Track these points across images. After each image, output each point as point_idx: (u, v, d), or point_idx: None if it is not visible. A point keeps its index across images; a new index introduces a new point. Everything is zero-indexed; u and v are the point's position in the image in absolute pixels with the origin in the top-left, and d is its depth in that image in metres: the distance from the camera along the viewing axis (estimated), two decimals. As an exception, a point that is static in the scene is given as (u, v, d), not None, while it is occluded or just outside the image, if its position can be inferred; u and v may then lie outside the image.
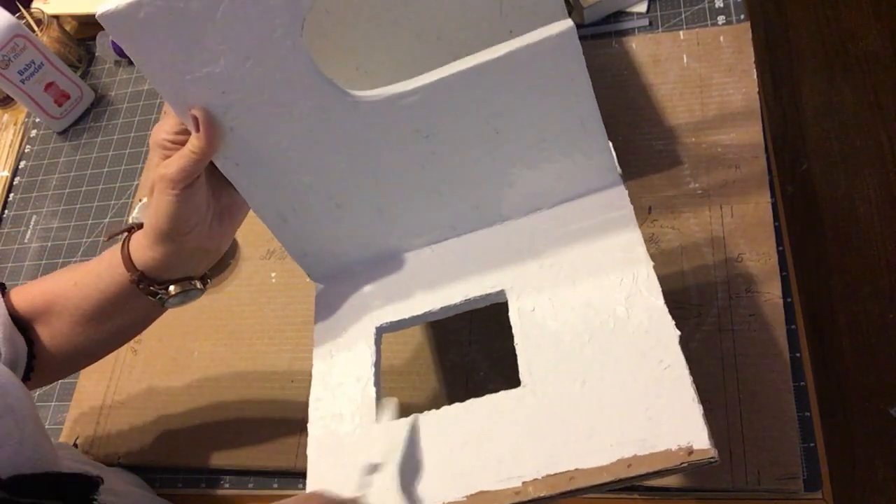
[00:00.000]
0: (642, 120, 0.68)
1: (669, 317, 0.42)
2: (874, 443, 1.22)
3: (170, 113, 0.45)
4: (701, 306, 0.58)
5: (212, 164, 0.46)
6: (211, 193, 0.48)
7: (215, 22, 0.40)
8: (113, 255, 0.50)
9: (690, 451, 0.37)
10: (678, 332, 0.41)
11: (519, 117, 0.46)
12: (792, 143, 1.51)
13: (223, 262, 0.75)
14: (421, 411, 0.61)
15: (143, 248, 0.48)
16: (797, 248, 1.36)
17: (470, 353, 0.62)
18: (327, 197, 0.50)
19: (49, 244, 0.86)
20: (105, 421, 0.70)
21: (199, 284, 0.51)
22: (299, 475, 0.63)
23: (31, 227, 0.89)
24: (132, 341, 0.73)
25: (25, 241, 0.88)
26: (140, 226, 0.49)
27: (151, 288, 0.49)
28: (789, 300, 0.57)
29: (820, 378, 1.25)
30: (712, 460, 0.37)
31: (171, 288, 0.50)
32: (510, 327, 0.47)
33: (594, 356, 0.43)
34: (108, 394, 0.72)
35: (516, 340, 0.46)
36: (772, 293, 0.56)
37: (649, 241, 0.62)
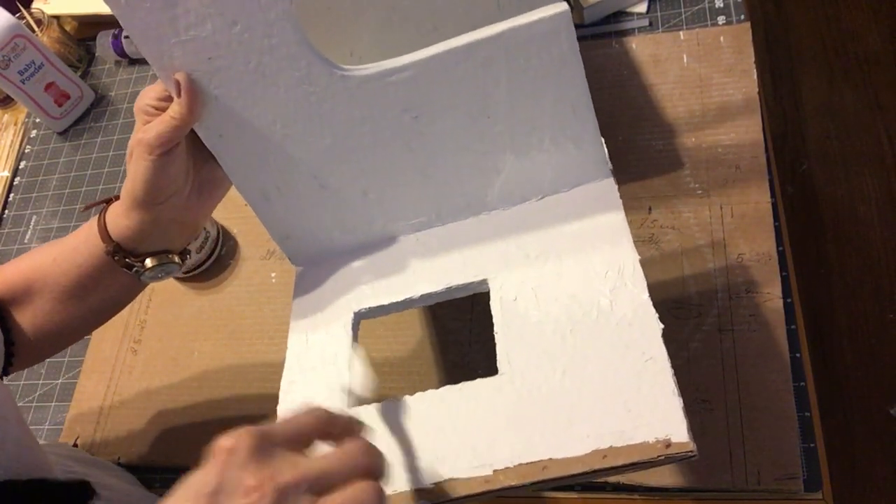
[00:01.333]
0: (642, 120, 0.68)
1: (654, 310, 0.42)
2: (874, 443, 1.22)
3: (157, 80, 0.44)
4: (701, 306, 0.57)
5: (195, 135, 0.46)
6: (192, 165, 0.47)
7: None
8: (90, 227, 0.49)
9: (668, 444, 0.37)
10: (662, 326, 0.41)
11: (510, 101, 0.45)
12: (792, 143, 1.51)
13: (223, 262, 0.75)
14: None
15: (118, 217, 0.47)
16: (797, 248, 1.37)
17: (470, 353, 0.62)
18: (311, 176, 0.49)
19: (49, 244, 0.86)
20: (105, 421, 0.70)
21: (176, 259, 0.51)
22: (299, 475, 0.63)
23: (31, 227, 0.89)
24: (132, 341, 0.73)
25: (25, 241, 0.88)
26: (118, 197, 0.48)
27: (127, 260, 0.48)
28: (789, 300, 0.57)
29: (820, 378, 1.26)
30: (690, 454, 0.36)
31: (148, 261, 0.49)
32: None
33: (575, 347, 0.42)
34: (108, 394, 0.72)
35: (496, 329, 0.45)
36: (772, 293, 0.56)
37: (649, 241, 0.62)
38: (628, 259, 0.45)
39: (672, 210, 0.62)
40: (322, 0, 0.56)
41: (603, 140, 0.48)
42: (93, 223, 0.49)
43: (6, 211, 0.92)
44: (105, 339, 0.75)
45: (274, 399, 0.65)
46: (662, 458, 0.36)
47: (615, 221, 0.47)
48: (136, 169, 0.45)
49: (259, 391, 0.67)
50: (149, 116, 0.44)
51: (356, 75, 0.44)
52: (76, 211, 0.88)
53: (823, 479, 0.51)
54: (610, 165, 0.49)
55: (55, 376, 0.76)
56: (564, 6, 0.41)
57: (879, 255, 1.36)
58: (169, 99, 0.44)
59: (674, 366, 0.56)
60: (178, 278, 0.75)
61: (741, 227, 0.60)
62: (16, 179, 0.94)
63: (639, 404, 0.39)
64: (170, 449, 0.67)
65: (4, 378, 0.53)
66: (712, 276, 0.59)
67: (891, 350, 1.28)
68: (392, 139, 0.47)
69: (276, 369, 0.67)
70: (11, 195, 0.93)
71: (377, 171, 0.49)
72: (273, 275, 0.73)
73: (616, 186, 0.48)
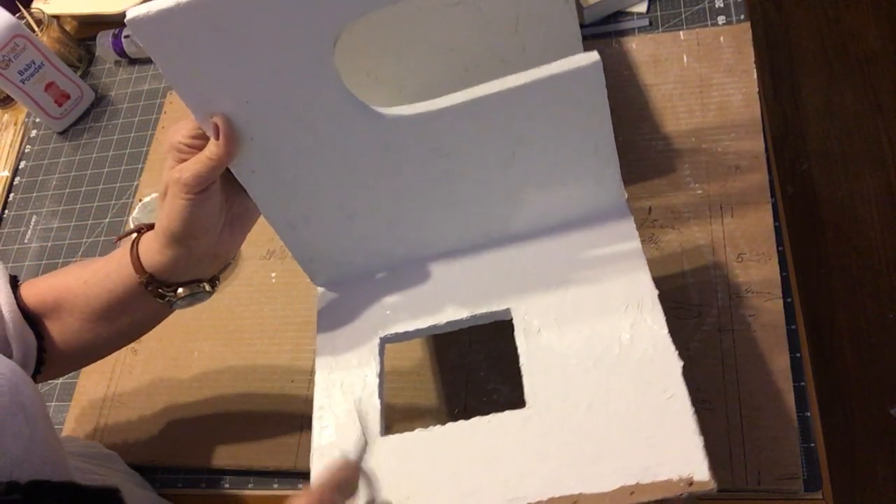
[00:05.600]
0: (642, 120, 0.68)
1: (673, 346, 0.43)
2: (874, 443, 1.22)
3: (188, 116, 0.44)
4: (701, 306, 0.58)
5: (227, 170, 0.46)
6: (224, 199, 0.48)
7: (247, 35, 0.40)
8: (122, 255, 0.50)
9: (691, 482, 0.38)
10: (681, 363, 0.42)
11: (537, 142, 0.46)
12: (792, 143, 1.51)
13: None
14: (421, 412, 0.61)
15: (152, 251, 0.48)
16: (797, 248, 1.37)
17: (470, 353, 0.62)
18: (339, 207, 0.50)
19: (49, 244, 0.86)
20: (105, 421, 0.70)
21: (207, 287, 0.51)
22: (299, 475, 0.63)
23: (31, 227, 0.89)
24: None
25: (25, 241, 0.88)
26: (150, 227, 0.49)
27: (160, 290, 0.49)
28: (789, 300, 0.57)
29: (820, 378, 1.25)
30: (711, 491, 0.38)
31: (180, 290, 0.50)
32: (511, 330, 0.47)
33: (599, 381, 0.43)
34: (109, 394, 0.72)
35: (522, 361, 0.46)
36: (772, 293, 0.56)
37: (649, 241, 0.62)
38: (647, 293, 0.46)
39: (672, 210, 0.62)
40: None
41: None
42: (125, 252, 0.49)
43: (6, 211, 0.92)
44: (105, 339, 0.75)
45: (274, 400, 0.66)
46: (685, 495, 0.38)
47: (632, 254, 0.48)
48: (172, 207, 0.45)
49: (259, 391, 0.67)
50: (182, 154, 0.44)
51: (390, 117, 0.45)
52: (76, 211, 0.88)
53: (823, 479, 0.51)
54: (626, 196, 0.50)
55: (55, 376, 0.76)
56: (596, 56, 0.42)
57: (879, 255, 1.36)
58: (202, 136, 0.44)
59: (674, 366, 0.56)
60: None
61: (741, 227, 0.60)
62: (16, 179, 0.94)
63: (662, 441, 0.40)
64: (170, 449, 0.67)
65: None
66: (712, 276, 0.59)
67: (891, 350, 1.28)
68: (420, 175, 0.48)
69: (276, 369, 0.67)
70: (11, 195, 0.93)
71: (403, 203, 0.50)
72: (273, 275, 0.73)
73: (632, 218, 0.50)
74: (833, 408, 1.25)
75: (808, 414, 0.53)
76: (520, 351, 0.47)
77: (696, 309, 0.58)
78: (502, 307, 0.49)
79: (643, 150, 0.66)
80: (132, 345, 0.73)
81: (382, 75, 0.60)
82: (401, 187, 0.49)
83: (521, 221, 0.52)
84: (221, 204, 0.47)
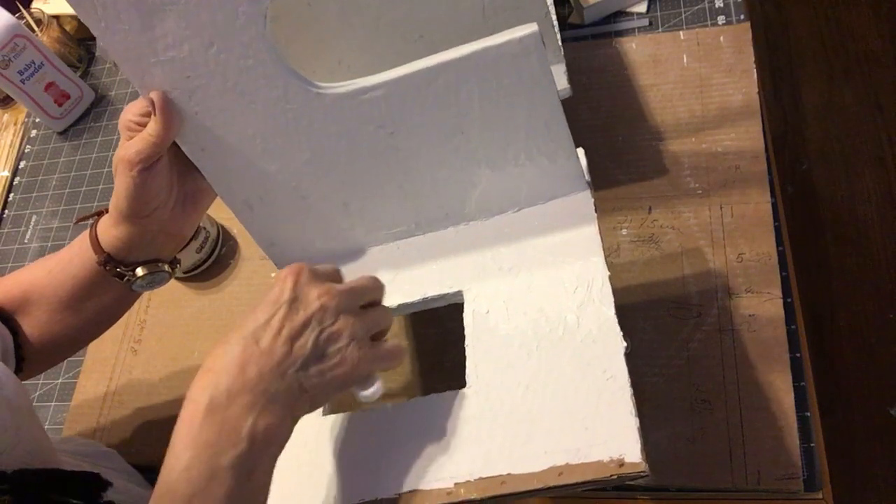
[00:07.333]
0: (642, 120, 0.68)
1: (618, 328, 0.42)
2: (874, 443, 1.22)
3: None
4: (701, 306, 0.57)
5: (179, 148, 0.47)
6: (176, 178, 0.48)
7: (179, 6, 0.40)
8: (83, 239, 0.51)
9: (621, 464, 0.37)
10: (625, 344, 0.41)
11: (483, 118, 0.46)
12: (792, 143, 1.51)
13: (223, 262, 0.75)
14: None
15: (108, 229, 0.49)
16: (797, 248, 1.37)
17: (470, 353, 0.62)
18: (292, 188, 0.50)
19: (49, 244, 0.86)
20: (105, 421, 0.70)
21: (166, 267, 0.52)
22: (299, 475, 0.63)
23: (31, 227, 0.89)
24: (132, 341, 0.73)
25: (25, 241, 0.88)
26: (109, 210, 0.50)
27: (118, 270, 0.50)
28: (789, 300, 0.57)
29: (820, 378, 1.26)
30: (643, 474, 0.37)
31: (139, 270, 0.50)
32: None
33: (540, 362, 0.43)
34: (108, 394, 0.72)
35: (467, 342, 0.46)
36: (772, 293, 0.56)
37: (649, 241, 0.62)
38: (598, 275, 0.45)
39: (672, 210, 0.62)
40: (310, 11, 0.56)
41: (583, 153, 0.49)
42: (85, 235, 0.50)
43: (6, 211, 0.92)
44: (105, 339, 0.74)
45: (274, 399, 0.66)
46: (615, 477, 0.37)
47: (588, 236, 0.47)
48: (119, 184, 0.46)
49: (259, 391, 0.67)
50: (131, 132, 0.46)
51: (331, 93, 0.45)
52: (76, 211, 0.88)
53: (823, 479, 0.51)
54: (587, 178, 0.49)
55: (55, 376, 0.76)
56: (534, 27, 0.42)
57: (879, 255, 1.36)
58: (150, 114, 0.45)
59: (674, 365, 0.57)
60: (178, 278, 0.75)
61: (741, 227, 0.60)
62: (16, 179, 0.94)
63: (596, 422, 0.39)
64: (170, 449, 0.67)
65: None
66: (712, 276, 0.59)
67: (891, 350, 1.28)
68: (369, 154, 0.48)
69: (276, 369, 0.67)
70: (11, 195, 0.93)
71: (356, 184, 0.50)
72: (273, 275, 0.72)
73: (592, 200, 0.49)
74: (833, 408, 1.25)
75: (808, 414, 0.53)
76: (466, 332, 0.46)
77: (696, 309, 0.58)
78: (454, 289, 0.49)
79: (643, 149, 0.66)
80: (132, 345, 0.73)
81: (354, 64, 0.60)
82: (351, 167, 0.49)
83: (477, 203, 0.51)
84: (171, 182, 0.48)
